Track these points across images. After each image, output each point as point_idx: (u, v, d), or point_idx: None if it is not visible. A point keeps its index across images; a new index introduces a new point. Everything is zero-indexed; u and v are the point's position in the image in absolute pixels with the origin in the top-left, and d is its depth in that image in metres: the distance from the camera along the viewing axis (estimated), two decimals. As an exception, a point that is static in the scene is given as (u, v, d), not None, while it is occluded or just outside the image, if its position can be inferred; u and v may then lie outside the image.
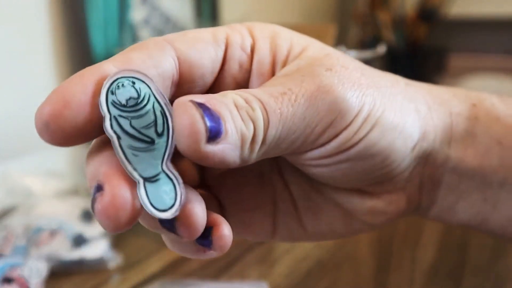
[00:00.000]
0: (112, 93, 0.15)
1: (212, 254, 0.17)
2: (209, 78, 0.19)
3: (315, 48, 0.19)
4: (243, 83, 0.20)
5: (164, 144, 0.15)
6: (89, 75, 0.15)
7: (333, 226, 0.22)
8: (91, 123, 0.15)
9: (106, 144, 0.16)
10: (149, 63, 0.16)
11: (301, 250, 0.42)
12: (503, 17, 1.20)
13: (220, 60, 0.19)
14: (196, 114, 0.14)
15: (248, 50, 0.19)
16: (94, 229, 0.42)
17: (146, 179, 0.15)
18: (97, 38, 0.75)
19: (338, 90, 0.17)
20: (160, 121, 0.15)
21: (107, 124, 0.15)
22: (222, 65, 0.19)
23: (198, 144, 0.14)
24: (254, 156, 0.16)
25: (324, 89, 0.17)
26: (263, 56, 0.19)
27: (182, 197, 0.15)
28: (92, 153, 0.16)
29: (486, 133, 0.22)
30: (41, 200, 0.46)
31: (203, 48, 0.18)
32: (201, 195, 0.17)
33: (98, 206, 0.14)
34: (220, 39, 0.19)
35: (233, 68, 0.19)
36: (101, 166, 0.15)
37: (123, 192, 0.14)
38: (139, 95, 0.15)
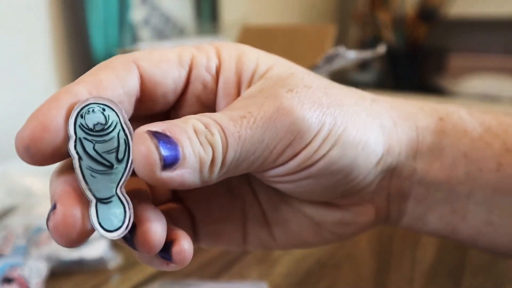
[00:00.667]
0: (82, 116, 0.16)
1: (173, 267, 0.18)
2: (171, 96, 0.19)
3: (280, 68, 0.20)
4: (209, 103, 0.20)
5: (122, 170, 0.16)
6: (64, 99, 0.16)
7: (302, 236, 0.23)
8: (66, 145, 0.16)
9: (68, 167, 0.17)
10: (116, 83, 0.17)
11: (301, 250, 0.42)
12: (503, 17, 1.20)
13: (183, 81, 0.19)
14: (151, 145, 0.15)
15: (213, 71, 0.20)
16: (94, 229, 0.42)
17: (99, 200, 0.16)
18: (97, 38, 0.75)
19: (297, 111, 0.18)
20: (122, 148, 0.16)
21: (71, 144, 0.16)
22: (185, 85, 0.20)
23: (154, 173, 0.15)
24: (215, 177, 0.17)
25: (284, 110, 0.18)
26: (228, 76, 0.20)
27: (130, 221, 0.16)
28: (55, 174, 0.17)
29: (453, 146, 0.22)
30: (41, 200, 0.46)
31: (167, 68, 0.19)
32: (173, 208, 0.19)
33: (50, 223, 0.15)
34: (185, 61, 0.19)
35: (197, 88, 0.20)
36: (58, 186, 0.16)
37: (74, 211, 0.15)
38: (106, 122, 0.16)
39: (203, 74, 0.20)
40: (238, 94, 0.20)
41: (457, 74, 1.23)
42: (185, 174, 0.16)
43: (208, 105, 0.20)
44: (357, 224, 0.23)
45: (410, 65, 1.22)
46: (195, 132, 0.16)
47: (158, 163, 0.15)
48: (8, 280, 0.35)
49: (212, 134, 0.17)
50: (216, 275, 0.38)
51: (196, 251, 0.42)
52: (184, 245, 0.17)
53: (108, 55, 0.76)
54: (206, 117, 0.17)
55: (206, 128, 0.17)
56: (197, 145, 0.16)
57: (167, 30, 0.87)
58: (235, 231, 0.23)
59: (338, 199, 0.22)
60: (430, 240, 0.43)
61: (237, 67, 0.20)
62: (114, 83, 0.17)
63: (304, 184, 0.20)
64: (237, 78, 0.20)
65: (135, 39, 0.81)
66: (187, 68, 0.19)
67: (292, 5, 1.22)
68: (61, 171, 0.17)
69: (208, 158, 0.16)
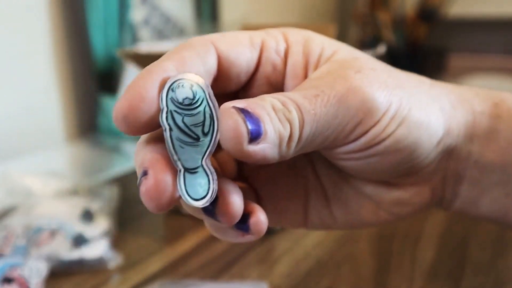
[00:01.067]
0: (173, 90, 0.17)
1: (250, 238, 0.19)
2: (244, 77, 0.21)
3: (344, 52, 0.21)
4: (277, 84, 0.21)
5: (207, 143, 0.17)
6: (156, 72, 0.17)
7: (361, 215, 0.24)
8: (157, 116, 0.17)
9: (154, 137, 0.18)
10: (198, 61, 0.18)
11: (301, 250, 0.42)
12: (503, 17, 1.20)
13: (255, 62, 0.20)
14: (239, 119, 0.16)
15: (282, 54, 0.21)
16: (94, 229, 0.42)
17: (187, 169, 0.17)
18: (97, 38, 0.75)
19: (367, 90, 0.19)
20: (207, 122, 0.17)
21: (163, 116, 0.17)
22: (256, 66, 0.21)
23: (241, 145, 0.16)
24: (291, 152, 0.18)
25: (355, 89, 0.19)
26: (296, 59, 0.21)
27: (214, 191, 0.17)
28: (142, 144, 0.18)
29: (509, 130, 0.23)
30: (41, 200, 0.46)
31: (241, 50, 0.20)
32: (240, 187, 0.20)
33: (142, 188, 0.16)
34: (256, 43, 0.20)
35: (267, 70, 0.21)
36: (148, 154, 0.17)
37: (166, 177, 0.16)
38: (194, 97, 0.17)
39: (273, 56, 0.21)
40: (305, 76, 0.21)
41: (457, 74, 1.23)
42: (266, 149, 0.17)
43: (277, 86, 0.21)
44: (413, 204, 0.24)
45: (410, 65, 1.22)
46: (273, 109, 0.17)
47: (245, 136, 0.16)
48: (8, 280, 0.35)
49: (289, 111, 0.18)
50: (216, 275, 0.38)
51: (196, 251, 0.42)
52: (261, 216, 0.18)
53: (108, 55, 0.76)
54: (282, 95, 0.18)
55: (283, 105, 0.18)
56: (276, 122, 0.17)
57: (167, 30, 0.87)
58: (297, 210, 0.24)
59: (398, 178, 0.23)
60: (430, 240, 0.43)
61: (304, 51, 0.21)
62: (196, 61, 0.18)
63: (369, 162, 0.21)
64: (304, 60, 0.21)
65: (135, 39, 0.81)
66: (258, 50, 0.20)
67: (292, 5, 1.22)
68: (148, 141, 0.18)
69: (286, 134, 0.17)
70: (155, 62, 0.18)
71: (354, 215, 0.24)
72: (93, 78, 0.76)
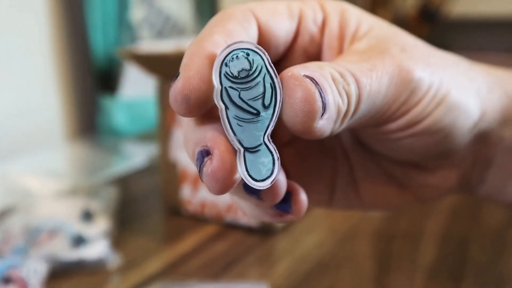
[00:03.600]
0: (226, 65, 0.15)
1: (289, 218, 0.18)
2: (282, 48, 0.19)
3: (383, 26, 0.20)
4: (314, 55, 0.20)
5: (269, 117, 0.15)
6: (208, 48, 0.16)
7: (387, 197, 0.24)
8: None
9: (208, 115, 0.17)
10: (243, 32, 0.17)
11: (301, 250, 0.42)
12: (504, 16, 1.20)
13: (293, 32, 0.19)
14: (316, 92, 0.15)
15: (319, 23, 0.20)
16: (93, 229, 0.42)
17: (247, 149, 0.15)
18: (97, 38, 0.75)
19: (414, 70, 0.19)
20: (268, 93, 0.15)
21: (217, 95, 0.15)
22: (294, 37, 0.20)
23: (313, 121, 0.15)
24: (342, 128, 0.17)
25: (403, 68, 0.18)
26: (332, 30, 0.20)
27: (278, 171, 0.16)
28: (196, 121, 0.17)
29: None
30: (41, 200, 0.46)
31: (280, 20, 0.19)
32: None
33: (207, 169, 0.15)
34: (295, 13, 0.19)
35: (305, 40, 0.20)
36: (208, 132, 0.16)
37: (231, 158, 0.15)
38: (251, 67, 0.15)
39: (311, 27, 0.20)
40: (340, 48, 0.20)
41: (458, 74, 1.23)
42: (325, 124, 0.16)
43: (313, 58, 0.20)
44: (439, 188, 0.23)
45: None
46: (333, 80, 0.16)
47: (320, 111, 0.15)
48: (7, 281, 0.35)
49: (348, 84, 0.16)
50: (216, 275, 0.38)
51: (196, 251, 0.42)
52: (302, 196, 0.18)
53: (108, 55, 0.76)
54: (338, 66, 0.17)
55: (341, 77, 0.16)
56: (336, 94, 0.16)
57: (167, 30, 0.87)
58: (324, 188, 0.23)
59: (428, 161, 0.22)
60: (430, 240, 0.43)
61: (340, 21, 0.20)
62: (241, 32, 0.17)
63: (404, 142, 0.20)
64: (340, 32, 0.20)
65: (134, 38, 0.81)
66: (297, 20, 0.19)
67: (292, 4, 1.22)
68: (203, 119, 0.17)
69: (344, 108, 0.16)
70: (203, 36, 0.17)
71: (380, 196, 0.24)
72: (93, 78, 0.76)
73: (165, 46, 0.46)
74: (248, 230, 0.45)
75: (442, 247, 0.42)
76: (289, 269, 0.39)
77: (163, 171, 0.49)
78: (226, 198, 0.45)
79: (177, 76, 0.16)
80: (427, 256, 0.41)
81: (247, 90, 0.15)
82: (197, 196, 0.47)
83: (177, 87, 0.15)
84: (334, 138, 0.23)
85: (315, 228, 0.46)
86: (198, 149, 0.16)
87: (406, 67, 0.18)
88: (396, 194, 0.23)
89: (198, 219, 0.47)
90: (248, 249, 0.42)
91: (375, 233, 0.45)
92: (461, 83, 0.20)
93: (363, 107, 0.17)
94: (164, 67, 0.45)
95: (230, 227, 0.45)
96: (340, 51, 0.20)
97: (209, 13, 0.93)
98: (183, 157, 0.47)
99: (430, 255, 0.41)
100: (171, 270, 0.39)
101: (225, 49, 0.15)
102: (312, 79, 0.15)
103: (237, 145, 0.15)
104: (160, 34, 0.86)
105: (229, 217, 0.46)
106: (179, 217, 0.48)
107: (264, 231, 0.44)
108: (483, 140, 0.22)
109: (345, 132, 0.23)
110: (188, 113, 0.16)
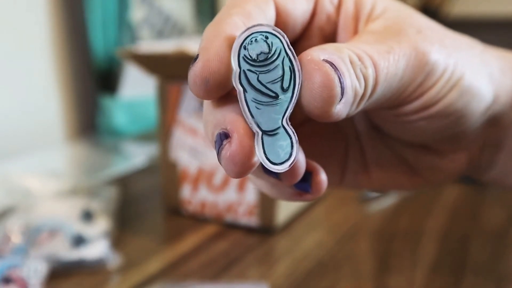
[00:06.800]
0: (245, 48, 0.15)
1: (307, 197, 0.18)
2: (299, 29, 0.19)
3: (398, 8, 0.20)
4: (329, 36, 0.20)
5: (288, 100, 0.15)
6: (228, 30, 0.16)
7: (396, 178, 0.24)
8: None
9: (227, 97, 0.16)
10: (261, 14, 0.17)
11: (301, 250, 0.42)
12: (503, 17, 1.20)
13: (310, 12, 0.19)
14: (335, 77, 0.15)
15: (336, 3, 0.20)
16: (93, 229, 0.42)
17: (265, 132, 0.15)
18: (97, 38, 0.75)
19: (429, 52, 0.18)
20: (287, 76, 0.15)
21: (236, 78, 0.15)
22: (311, 17, 0.20)
23: (332, 106, 0.15)
24: (358, 111, 0.17)
25: (419, 50, 0.18)
26: (348, 9, 0.20)
27: (297, 154, 0.16)
28: (215, 103, 0.17)
29: None
30: (41, 200, 0.46)
31: (297, 0, 0.19)
32: None
33: (226, 153, 0.15)
34: None
35: (321, 20, 0.20)
36: (228, 114, 0.16)
37: (250, 141, 0.15)
38: (270, 50, 0.15)
39: (328, 6, 0.20)
40: (355, 28, 0.20)
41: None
42: (342, 107, 0.16)
43: (329, 38, 0.20)
44: (448, 171, 0.23)
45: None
46: (351, 63, 0.16)
47: (339, 96, 0.15)
48: (7, 281, 0.35)
49: (365, 67, 0.16)
50: (216, 276, 0.38)
51: (196, 251, 0.42)
52: (322, 175, 0.18)
53: (108, 55, 0.76)
54: (356, 48, 0.17)
55: (359, 60, 0.16)
56: (354, 78, 0.16)
57: (167, 30, 0.87)
58: (335, 168, 0.23)
59: (439, 144, 0.22)
60: (430, 240, 0.43)
61: (356, 1, 0.20)
62: (259, 13, 0.17)
63: (418, 125, 0.20)
64: (355, 11, 0.20)
65: (134, 38, 0.81)
66: (313, 0, 0.19)
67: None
68: (219, 103, 0.16)
69: (361, 92, 0.16)
70: (222, 18, 0.16)
71: (390, 178, 0.24)
72: (93, 78, 0.76)
73: (165, 46, 0.46)
74: (248, 230, 0.45)
75: (442, 246, 0.42)
76: (289, 269, 0.39)
77: (163, 171, 0.49)
78: (226, 198, 0.45)
79: (195, 59, 0.16)
80: (427, 255, 0.41)
81: (265, 73, 0.15)
82: (197, 196, 0.47)
83: (196, 70, 0.15)
84: (347, 120, 0.23)
85: (315, 228, 0.46)
86: (217, 131, 0.16)
87: (422, 49, 0.18)
88: (405, 176, 0.24)
89: (198, 219, 0.47)
90: (248, 249, 0.42)
91: (375, 232, 0.45)
92: (475, 66, 0.20)
93: (379, 90, 0.17)
94: (164, 67, 0.45)
95: (230, 227, 0.45)
96: (355, 31, 0.20)
97: (209, 13, 0.93)
98: (183, 157, 0.47)
99: (430, 254, 0.41)
100: (171, 270, 0.39)
101: (244, 32, 0.15)
102: (331, 64, 0.15)
103: (255, 128, 0.15)
104: (160, 34, 0.86)
105: (229, 217, 0.46)
106: (179, 217, 0.48)
107: (264, 231, 0.44)
108: (495, 123, 0.22)
109: (359, 114, 0.23)
110: (207, 95, 0.16)
